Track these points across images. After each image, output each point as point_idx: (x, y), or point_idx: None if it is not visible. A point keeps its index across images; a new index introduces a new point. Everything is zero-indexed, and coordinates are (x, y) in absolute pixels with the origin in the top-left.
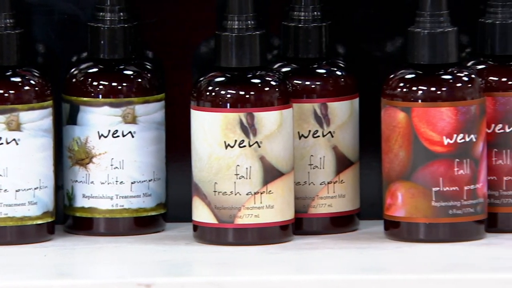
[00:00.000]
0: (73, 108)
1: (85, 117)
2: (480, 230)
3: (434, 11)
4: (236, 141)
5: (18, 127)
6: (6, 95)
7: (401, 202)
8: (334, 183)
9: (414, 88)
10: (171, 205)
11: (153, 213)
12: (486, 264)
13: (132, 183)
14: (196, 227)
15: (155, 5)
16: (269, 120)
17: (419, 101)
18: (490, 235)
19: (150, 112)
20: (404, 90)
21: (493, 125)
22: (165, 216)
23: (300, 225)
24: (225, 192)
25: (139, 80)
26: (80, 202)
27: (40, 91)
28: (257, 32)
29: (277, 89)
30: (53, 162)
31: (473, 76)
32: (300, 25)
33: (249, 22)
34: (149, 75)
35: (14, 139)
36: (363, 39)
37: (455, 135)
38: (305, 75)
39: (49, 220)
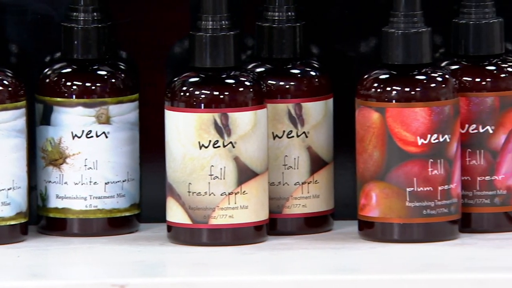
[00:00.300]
0: (47, 108)
1: (58, 118)
2: (454, 230)
3: (408, 12)
4: (210, 141)
5: None
6: None
7: (375, 203)
8: (309, 183)
9: (388, 89)
10: (145, 205)
11: (127, 214)
12: (460, 264)
13: (106, 183)
14: (170, 227)
15: (129, 5)
16: (243, 120)
17: (393, 101)
18: (464, 235)
19: (124, 112)
20: (378, 90)
21: (466, 125)
22: (139, 216)
23: (274, 226)
24: (199, 192)
25: (113, 80)
26: (53, 202)
27: (13, 92)
28: (231, 32)
29: (251, 90)
30: (26, 162)
31: (447, 76)
32: (274, 26)
33: (223, 22)
34: (123, 75)
35: None
36: (337, 39)
37: (429, 136)
38: (279, 75)
39: (23, 220)
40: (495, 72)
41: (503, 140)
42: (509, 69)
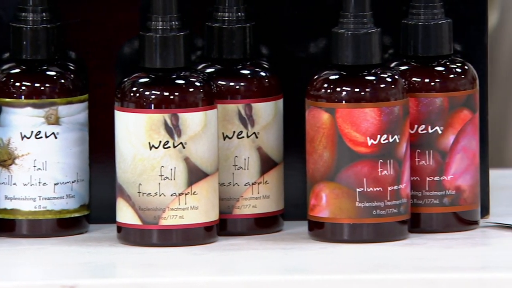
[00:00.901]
0: None
1: (7, 118)
2: (404, 231)
3: (358, 12)
4: (160, 142)
5: None
6: None
7: (325, 203)
8: (259, 184)
9: (338, 89)
10: (95, 206)
11: (77, 215)
12: (409, 264)
13: (55, 184)
14: (120, 228)
15: (78, 5)
16: (193, 121)
17: (343, 102)
18: (413, 235)
19: (74, 113)
20: (328, 91)
21: (416, 126)
22: (88, 217)
23: (224, 226)
24: (150, 193)
25: (62, 81)
26: (2, 203)
27: None
28: (181, 33)
29: (201, 90)
30: None
31: (396, 77)
32: (224, 26)
33: (173, 22)
34: (72, 76)
35: None
36: (287, 40)
37: (378, 136)
38: (229, 76)
39: None
40: (444, 72)
41: (452, 141)
42: (457, 69)
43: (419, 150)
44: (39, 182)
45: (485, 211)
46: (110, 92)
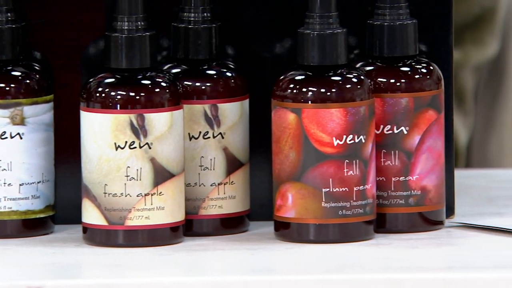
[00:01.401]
0: None
1: None
2: (369, 231)
3: (324, 13)
4: (126, 142)
5: None
6: None
7: (291, 203)
8: (225, 184)
9: (304, 90)
10: (60, 207)
11: (42, 215)
12: (375, 265)
13: (20, 185)
14: (86, 229)
15: (43, 5)
16: (159, 121)
17: (309, 102)
18: (379, 235)
19: (39, 113)
20: (294, 91)
21: (381, 126)
22: (54, 218)
23: (190, 227)
24: (115, 194)
25: (28, 81)
26: None
27: None
28: (147, 33)
29: (167, 90)
30: None
31: (362, 77)
32: (190, 26)
33: (139, 23)
34: (37, 76)
35: None
36: (252, 40)
37: (344, 136)
38: (195, 76)
39: None
40: (409, 73)
41: (418, 141)
42: (423, 70)
43: (385, 151)
44: (4, 183)
45: (450, 211)
46: (75, 93)
